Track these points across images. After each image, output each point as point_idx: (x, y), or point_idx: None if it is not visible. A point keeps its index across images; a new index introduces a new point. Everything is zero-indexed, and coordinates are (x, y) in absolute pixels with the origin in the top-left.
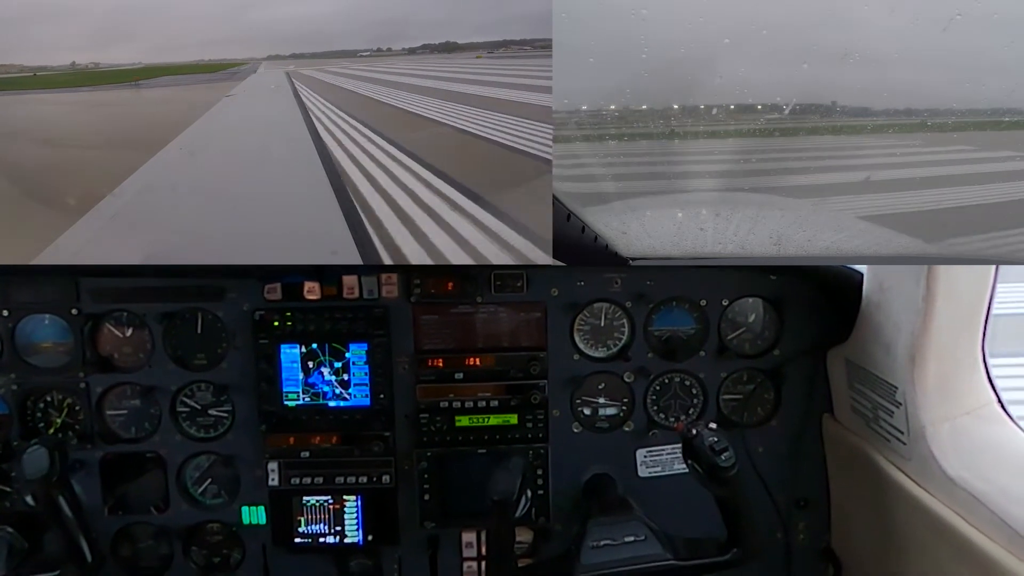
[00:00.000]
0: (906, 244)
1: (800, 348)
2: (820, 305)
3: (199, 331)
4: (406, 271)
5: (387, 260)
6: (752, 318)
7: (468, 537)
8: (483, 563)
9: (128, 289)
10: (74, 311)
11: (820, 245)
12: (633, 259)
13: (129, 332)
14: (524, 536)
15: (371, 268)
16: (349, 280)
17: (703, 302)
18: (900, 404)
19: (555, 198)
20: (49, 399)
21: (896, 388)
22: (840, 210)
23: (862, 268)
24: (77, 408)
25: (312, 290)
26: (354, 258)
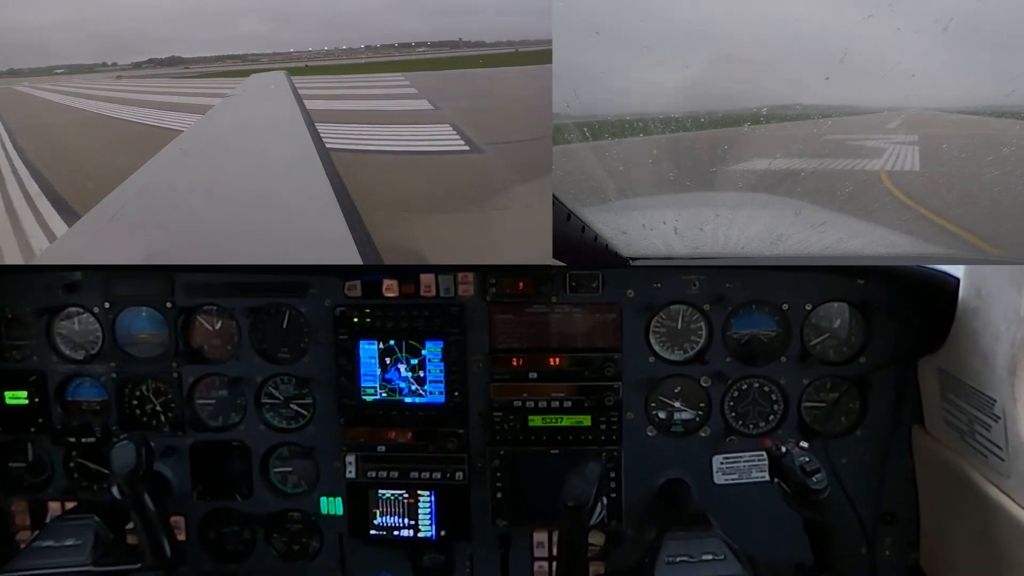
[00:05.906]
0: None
1: (888, 356)
2: (911, 311)
3: (284, 326)
4: (482, 270)
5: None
6: (837, 323)
7: (540, 537)
8: (554, 564)
9: (219, 284)
10: (169, 304)
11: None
12: (633, 259)
13: (218, 325)
14: (596, 539)
15: (448, 267)
16: (426, 278)
17: (785, 306)
18: (999, 418)
19: (555, 198)
20: (145, 388)
21: (994, 401)
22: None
23: (958, 273)
24: (170, 397)
25: (391, 288)
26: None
